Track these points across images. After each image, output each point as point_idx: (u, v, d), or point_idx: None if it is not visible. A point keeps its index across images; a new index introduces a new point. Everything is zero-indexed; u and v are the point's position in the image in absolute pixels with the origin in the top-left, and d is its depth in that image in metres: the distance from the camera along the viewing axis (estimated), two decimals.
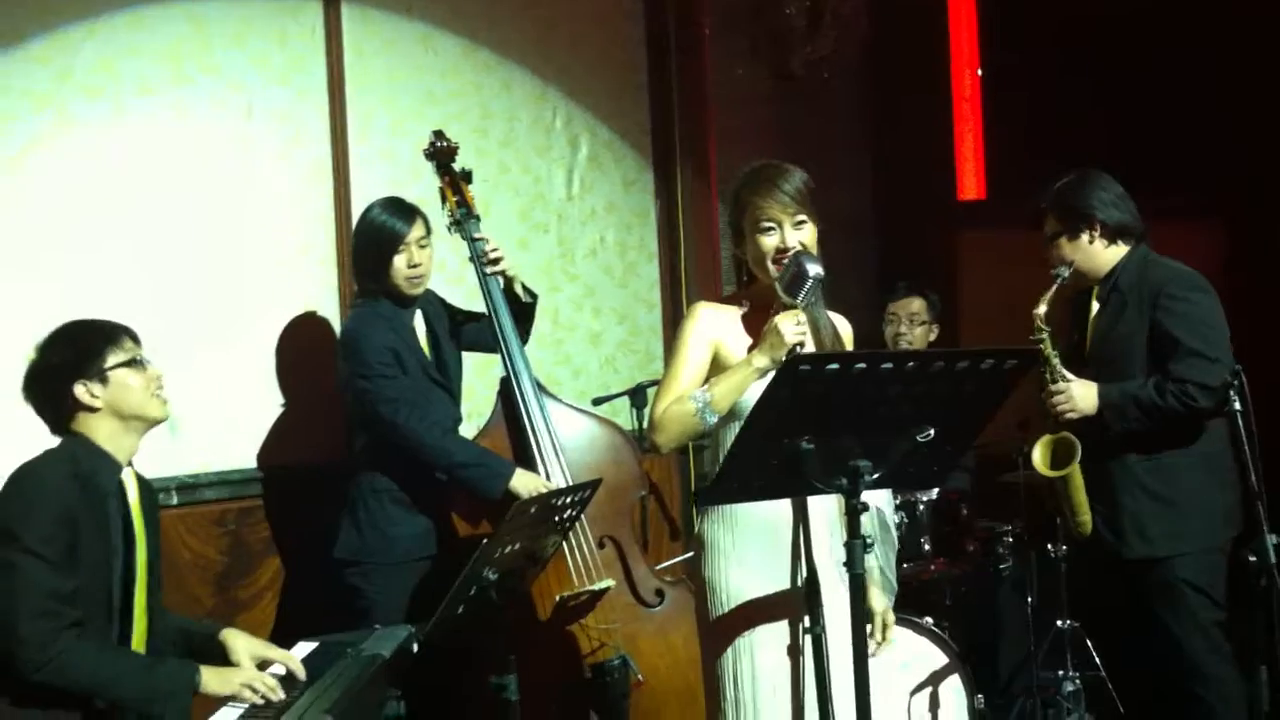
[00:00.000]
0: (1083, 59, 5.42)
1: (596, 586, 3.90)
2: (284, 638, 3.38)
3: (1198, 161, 4.96)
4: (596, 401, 4.64)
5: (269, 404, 4.22)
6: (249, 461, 4.17)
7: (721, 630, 2.91)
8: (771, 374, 2.68)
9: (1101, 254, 3.74)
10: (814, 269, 2.84)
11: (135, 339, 3.11)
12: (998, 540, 4.64)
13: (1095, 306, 3.77)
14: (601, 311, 5.10)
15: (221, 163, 4.14)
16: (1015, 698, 4.57)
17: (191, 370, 3.99)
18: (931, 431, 2.55)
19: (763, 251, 2.92)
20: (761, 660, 2.87)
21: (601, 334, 5.10)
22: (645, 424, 3.01)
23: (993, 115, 5.84)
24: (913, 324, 5.00)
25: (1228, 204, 5.06)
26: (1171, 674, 3.57)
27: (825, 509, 2.93)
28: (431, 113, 4.54)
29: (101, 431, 3.03)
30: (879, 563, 3.10)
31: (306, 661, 3.19)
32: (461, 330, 4.10)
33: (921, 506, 4.47)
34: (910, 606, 4.18)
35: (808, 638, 2.77)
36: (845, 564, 2.58)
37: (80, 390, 3.01)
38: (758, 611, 2.88)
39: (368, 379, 3.84)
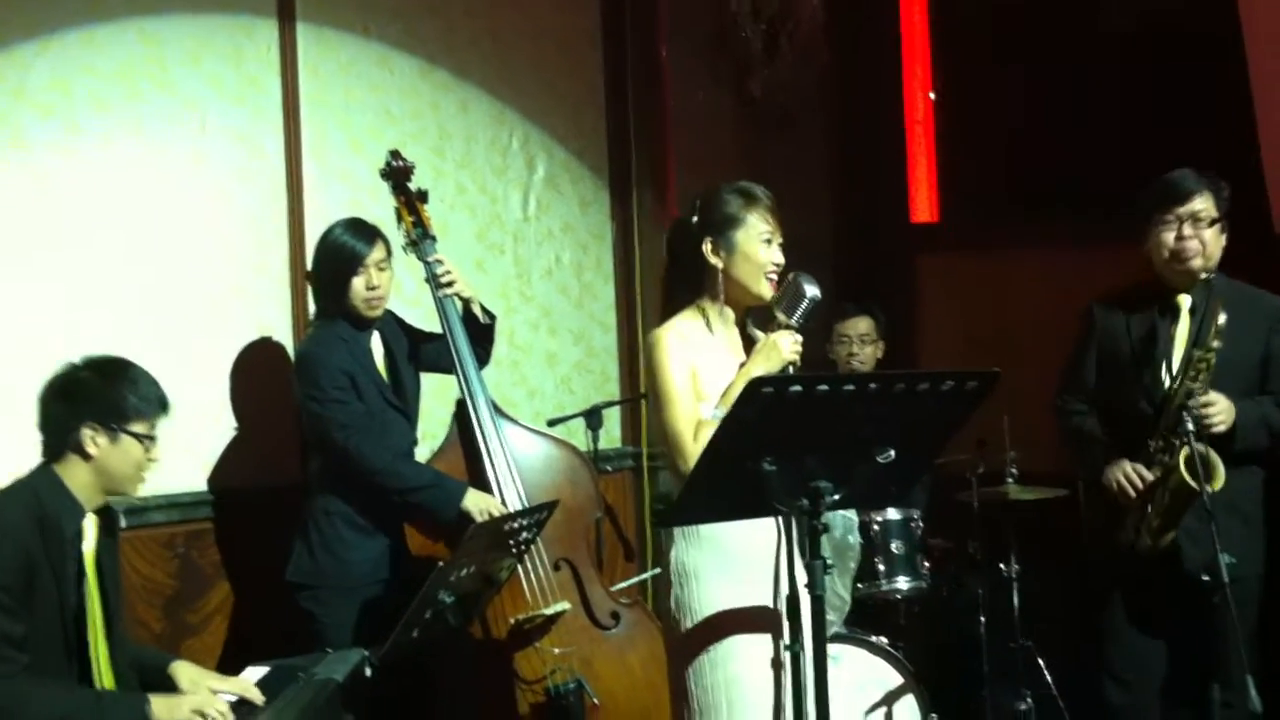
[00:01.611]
0: (1037, 82, 5.49)
1: (551, 609, 3.88)
2: (234, 662, 3.34)
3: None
4: (552, 423, 4.63)
5: (220, 425, 4.16)
6: (199, 484, 4.11)
7: (701, 656, 2.89)
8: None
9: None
10: (812, 290, 2.95)
11: (166, 410, 3.07)
12: (952, 559, 4.67)
13: (1185, 315, 3.61)
14: (558, 332, 5.09)
15: (176, 181, 4.10)
16: (969, 717, 4.59)
17: None
18: (892, 453, 2.56)
19: (761, 261, 3.00)
20: (745, 685, 2.85)
21: (557, 355, 5.09)
22: (680, 454, 2.89)
23: (946, 139, 5.90)
24: (863, 344, 4.99)
25: None
26: (1206, 686, 3.52)
27: None
28: (388, 132, 4.52)
29: (78, 478, 2.99)
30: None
31: (259, 686, 3.16)
32: (420, 351, 4.07)
33: (876, 527, 4.48)
34: (865, 626, 4.19)
35: (787, 655, 2.76)
36: (805, 585, 2.58)
37: (86, 433, 2.96)
38: (739, 635, 2.87)
39: (320, 403, 3.81)
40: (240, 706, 3.07)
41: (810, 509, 2.57)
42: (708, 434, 2.81)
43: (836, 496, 2.57)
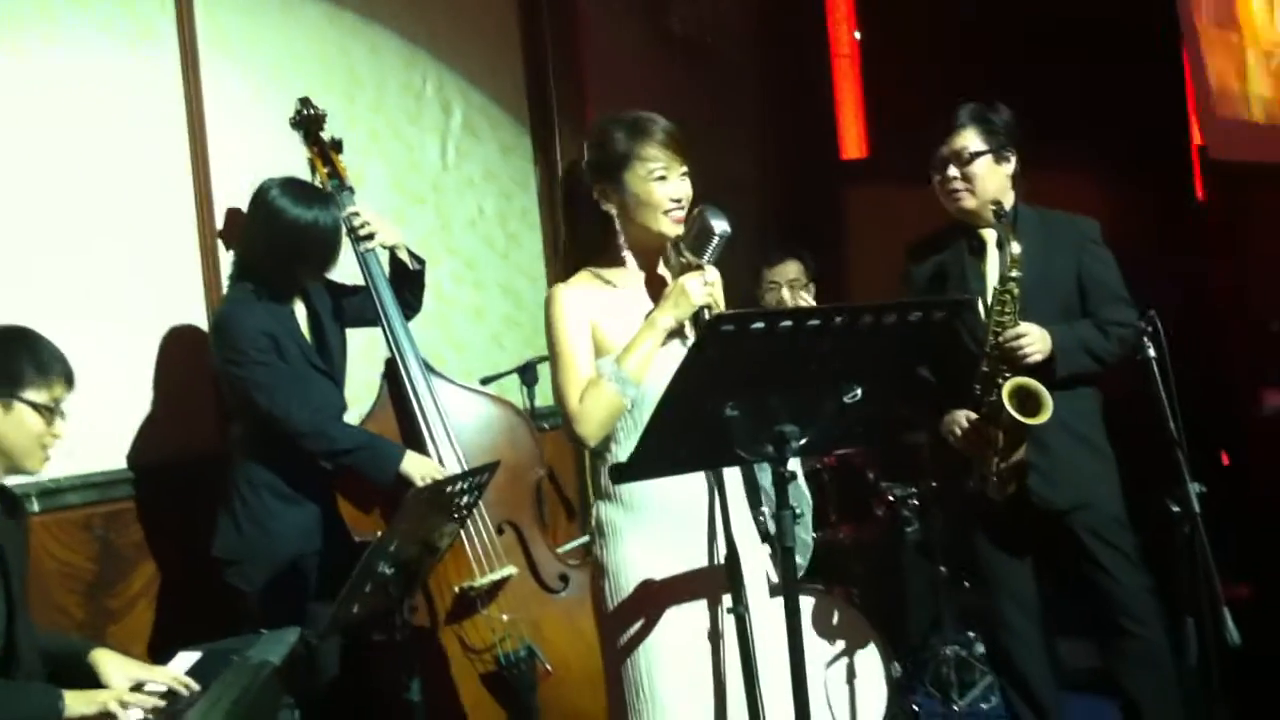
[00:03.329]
0: (965, 17, 5.38)
1: (497, 575, 3.71)
2: (162, 647, 3.14)
3: (1080, 118, 4.96)
4: (485, 380, 4.42)
5: (133, 397, 3.89)
6: (115, 462, 3.84)
7: (625, 622, 2.71)
8: (689, 342, 2.56)
9: (1008, 192, 3.55)
10: (720, 225, 2.68)
11: (70, 385, 2.87)
12: (902, 503, 4.56)
13: (992, 250, 3.53)
14: (484, 285, 4.88)
15: (68, 136, 3.80)
16: (926, 661, 4.51)
17: None
18: (859, 391, 2.41)
19: (656, 200, 2.73)
20: (674, 651, 2.69)
21: (485, 309, 4.88)
22: (566, 418, 2.74)
23: (876, 71, 5.78)
24: (793, 289, 4.80)
25: (1107, 160, 5.06)
26: (1110, 619, 3.46)
27: (734, 480, 2.77)
28: (295, 78, 4.25)
29: None
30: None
31: (191, 673, 2.96)
32: (344, 306, 3.86)
33: (827, 476, 4.36)
34: (820, 576, 4.07)
35: (730, 618, 2.62)
36: (776, 535, 2.43)
37: None
38: (666, 598, 2.70)
39: (240, 365, 3.59)
40: (171, 695, 2.87)
41: (776, 455, 2.42)
42: (595, 396, 2.67)
43: (803, 440, 2.42)
